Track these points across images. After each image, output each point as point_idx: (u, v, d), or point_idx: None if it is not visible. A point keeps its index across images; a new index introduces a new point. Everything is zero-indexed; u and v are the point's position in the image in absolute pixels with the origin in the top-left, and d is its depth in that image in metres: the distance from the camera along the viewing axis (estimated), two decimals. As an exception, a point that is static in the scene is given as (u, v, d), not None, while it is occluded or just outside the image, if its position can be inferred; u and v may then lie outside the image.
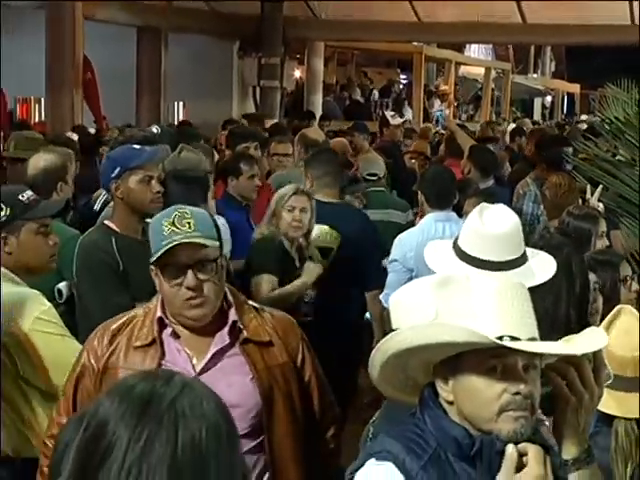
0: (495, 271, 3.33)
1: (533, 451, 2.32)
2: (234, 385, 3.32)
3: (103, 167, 5.21)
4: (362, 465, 2.47)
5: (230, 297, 3.43)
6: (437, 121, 14.49)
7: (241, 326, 3.38)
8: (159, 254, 3.23)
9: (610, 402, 3.17)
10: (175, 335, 3.36)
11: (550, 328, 2.53)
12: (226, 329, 3.36)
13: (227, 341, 3.36)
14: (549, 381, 2.47)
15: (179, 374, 1.88)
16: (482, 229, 3.45)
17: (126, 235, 4.97)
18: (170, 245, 3.21)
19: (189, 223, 3.25)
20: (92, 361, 3.38)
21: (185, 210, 3.32)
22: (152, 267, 3.32)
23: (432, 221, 6.53)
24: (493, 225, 3.46)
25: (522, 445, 2.35)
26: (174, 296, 3.28)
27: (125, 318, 3.46)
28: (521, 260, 3.48)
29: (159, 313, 3.37)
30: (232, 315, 3.38)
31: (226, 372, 3.35)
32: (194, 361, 3.36)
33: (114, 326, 3.44)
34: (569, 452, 2.48)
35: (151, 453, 1.69)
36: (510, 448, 2.33)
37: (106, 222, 5.10)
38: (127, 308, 4.83)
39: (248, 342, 3.39)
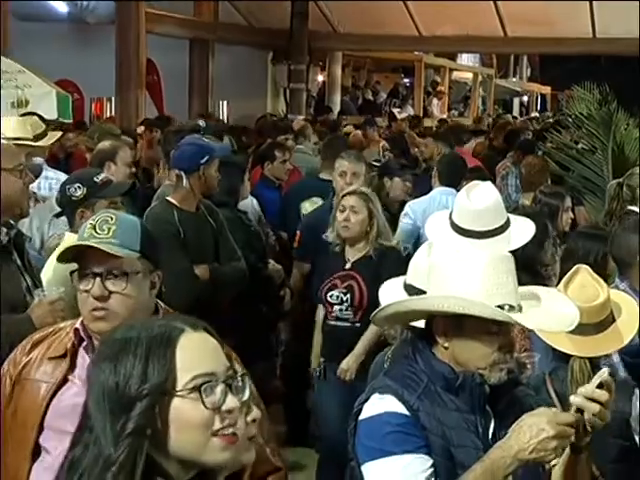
0: (477, 239, 3.31)
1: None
2: None
3: (186, 152, 5.12)
4: (368, 399, 2.49)
5: (161, 315, 2.65)
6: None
7: None
8: (60, 251, 2.62)
9: (568, 343, 3.20)
10: (92, 348, 2.58)
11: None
12: None
13: None
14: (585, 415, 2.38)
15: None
16: (467, 204, 3.44)
17: (184, 209, 4.99)
18: (71, 245, 2.60)
19: (109, 229, 2.55)
20: (11, 369, 2.66)
21: (111, 215, 2.63)
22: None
23: (438, 193, 6.66)
24: (476, 201, 3.44)
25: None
26: (82, 304, 2.58)
27: (52, 329, 2.73)
28: (500, 229, 3.45)
29: (78, 324, 2.63)
30: None
31: None
32: None
33: (37, 336, 2.71)
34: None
35: None
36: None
37: (168, 198, 5.11)
38: (186, 269, 4.85)
39: None
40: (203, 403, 1.65)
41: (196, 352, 1.69)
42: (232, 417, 1.67)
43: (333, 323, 5.18)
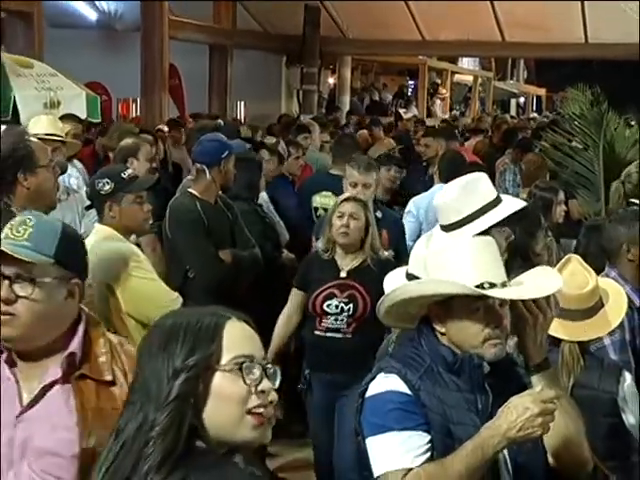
0: (445, 231, 3.30)
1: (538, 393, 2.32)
2: (57, 428, 2.22)
3: (208, 147, 5.16)
4: (374, 378, 2.50)
5: (82, 326, 2.31)
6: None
7: (80, 359, 2.27)
8: None
9: (559, 329, 3.21)
10: (11, 361, 2.28)
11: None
12: (60, 360, 2.25)
13: (59, 374, 2.24)
14: (512, 306, 2.47)
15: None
16: (436, 202, 3.44)
17: (205, 200, 5.02)
18: None
19: (25, 231, 2.24)
20: None
21: (30, 217, 2.30)
22: None
23: (438, 190, 6.52)
24: (439, 198, 3.43)
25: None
26: None
27: None
28: (465, 220, 3.37)
29: None
30: (73, 345, 2.27)
31: (51, 412, 2.22)
32: (24, 394, 2.25)
33: None
34: (532, 360, 2.49)
35: None
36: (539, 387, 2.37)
37: (190, 190, 5.15)
38: (212, 253, 4.87)
39: (85, 378, 2.27)
40: (243, 379, 1.70)
41: (240, 336, 1.76)
42: (265, 398, 1.72)
43: (321, 334, 4.65)
